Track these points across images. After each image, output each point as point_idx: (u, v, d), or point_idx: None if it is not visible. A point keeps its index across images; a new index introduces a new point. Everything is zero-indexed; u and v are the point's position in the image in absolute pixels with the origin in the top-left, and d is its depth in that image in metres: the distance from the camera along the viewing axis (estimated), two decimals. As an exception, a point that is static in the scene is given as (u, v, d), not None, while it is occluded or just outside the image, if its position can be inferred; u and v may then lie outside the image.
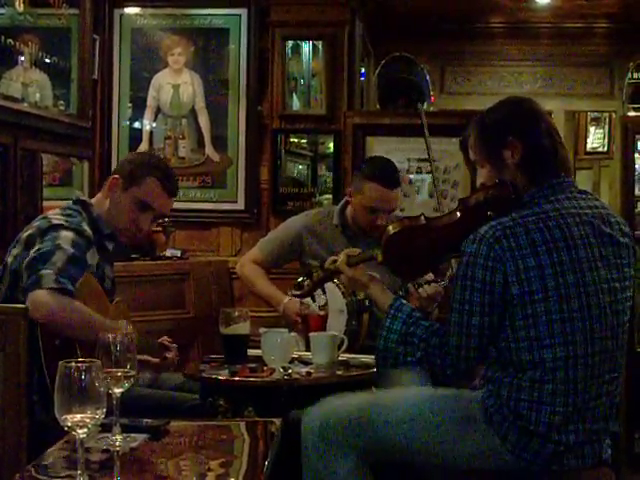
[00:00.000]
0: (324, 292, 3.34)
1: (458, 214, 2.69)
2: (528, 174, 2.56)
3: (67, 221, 3.09)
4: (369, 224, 3.98)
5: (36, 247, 2.97)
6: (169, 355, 3.46)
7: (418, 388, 2.83)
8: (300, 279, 3.18)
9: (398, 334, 2.61)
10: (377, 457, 2.65)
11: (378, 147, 5.18)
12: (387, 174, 3.96)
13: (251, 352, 3.44)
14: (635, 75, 7.33)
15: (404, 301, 2.75)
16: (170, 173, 3.40)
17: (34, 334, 2.78)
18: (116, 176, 3.29)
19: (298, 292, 3.27)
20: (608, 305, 2.47)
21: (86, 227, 3.14)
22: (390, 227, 2.82)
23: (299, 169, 5.41)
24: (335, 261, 3.01)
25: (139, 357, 3.27)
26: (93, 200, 3.34)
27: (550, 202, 2.52)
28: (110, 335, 2.16)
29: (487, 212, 2.57)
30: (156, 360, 3.39)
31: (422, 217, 2.79)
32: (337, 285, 3.65)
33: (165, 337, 3.52)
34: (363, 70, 6.46)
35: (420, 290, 3.49)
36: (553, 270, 2.42)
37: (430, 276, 3.72)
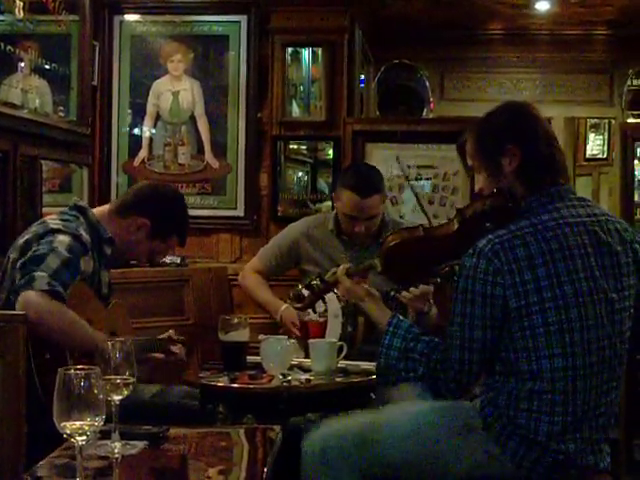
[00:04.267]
0: (323, 299, 3.35)
1: (456, 225, 2.70)
2: (526, 181, 2.55)
3: (65, 226, 3.10)
4: (349, 230, 4.00)
5: (32, 250, 2.97)
6: (175, 349, 3.45)
7: (417, 403, 2.83)
8: (298, 288, 3.19)
9: (398, 351, 2.60)
10: (379, 477, 2.63)
11: (377, 154, 5.19)
12: (361, 183, 3.94)
13: (250, 359, 3.44)
14: (634, 82, 7.32)
15: (401, 317, 2.74)
16: (188, 223, 3.53)
17: (26, 346, 2.77)
18: (147, 221, 3.33)
19: (299, 305, 3.29)
20: (605, 315, 2.46)
21: (83, 232, 3.14)
22: (389, 238, 2.85)
23: (299, 176, 5.41)
24: (335, 273, 3.02)
25: (145, 355, 3.29)
26: (98, 209, 3.38)
27: (548, 211, 2.50)
28: (109, 342, 2.17)
29: (485, 223, 2.57)
30: (161, 355, 3.39)
31: (420, 228, 2.82)
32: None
33: (171, 331, 3.51)
34: (363, 77, 6.46)
35: (404, 294, 3.47)
36: (550, 282, 2.41)
37: None
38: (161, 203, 3.43)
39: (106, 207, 3.42)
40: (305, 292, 3.16)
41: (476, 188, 2.69)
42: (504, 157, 2.56)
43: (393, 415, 2.74)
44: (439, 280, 3.25)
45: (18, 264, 2.93)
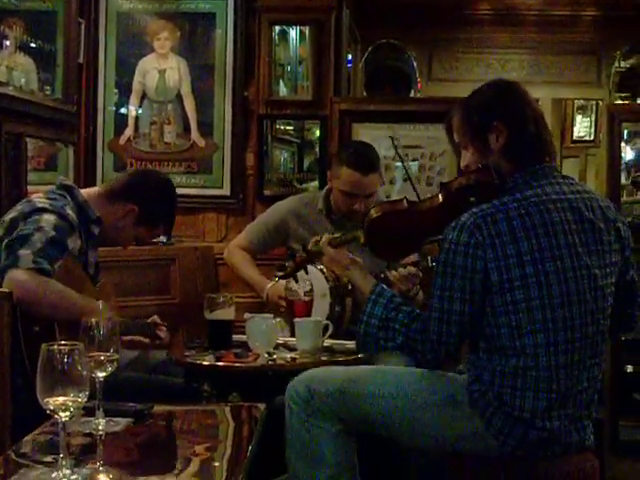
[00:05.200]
0: (307, 274, 3.35)
1: (440, 199, 2.69)
2: (512, 159, 2.55)
3: (51, 205, 3.09)
4: (347, 208, 3.99)
5: (18, 229, 2.96)
6: (162, 334, 3.45)
7: (406, 367, 2.83)
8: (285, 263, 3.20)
9: (379, 319, 2.60)
10: (360, 429, 2.67)
11: (364, 133, 5.17)
12: (361, 160, 3.94)
13: (236, 337, 3.44)
14: (622, 63, 7.33)
15: (385, 286, 2.74)
16: (176, 213, 3.50)
17: (15, 319, 2.77)
18: (135, 208, 3.32)
19: (281, 273, 3.29)
20: (588, 291, 2.47)
21: (69, 211, 3.13)
22: (372, 210, 2.83)
23: (285, 155, 5.40)
24: (318, 242, 3.02)
25: (130, 337, 3.30)
26: (86, 190, 3.37)
27: (532, 188, 2.51)
28: (94, 319, 2.16)
29: (469, 197, 2.56)
30: (147, 340, 3.39)
31: (404, 201, 2.80)
32: (320, 270, 3.64)
33: (155, 317, 3.51)
34: (350, 56, 6.44)
35: (394, 273, 3.49)
36: (532, 257, 2.41)
37: (411, 259, 3.72)
38: (151, 191, 3.41)
39: (95, 189, 3.42)
40: (288, 262, 3.17)
41: (461, 165, 2.68)
42: (491, 134, 2.56)
43: (381, 372, 2.76)
44: (430, 264, 3.25)
45: (4, 244, 2.93)
